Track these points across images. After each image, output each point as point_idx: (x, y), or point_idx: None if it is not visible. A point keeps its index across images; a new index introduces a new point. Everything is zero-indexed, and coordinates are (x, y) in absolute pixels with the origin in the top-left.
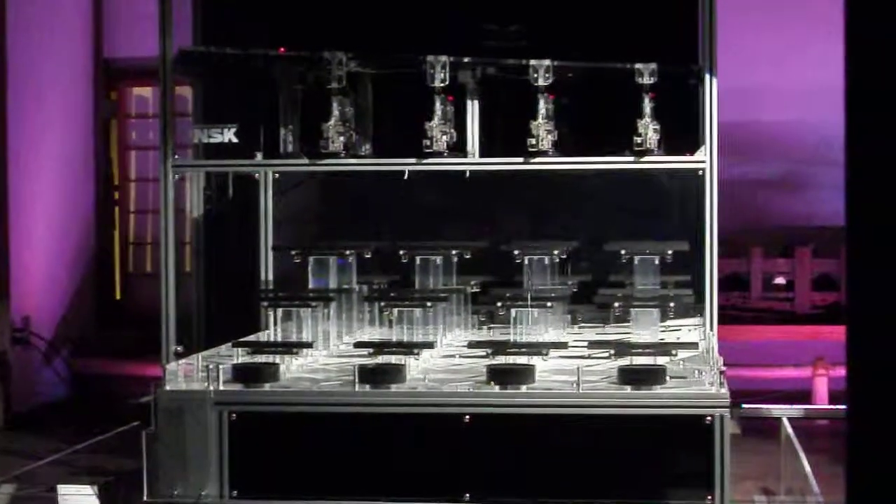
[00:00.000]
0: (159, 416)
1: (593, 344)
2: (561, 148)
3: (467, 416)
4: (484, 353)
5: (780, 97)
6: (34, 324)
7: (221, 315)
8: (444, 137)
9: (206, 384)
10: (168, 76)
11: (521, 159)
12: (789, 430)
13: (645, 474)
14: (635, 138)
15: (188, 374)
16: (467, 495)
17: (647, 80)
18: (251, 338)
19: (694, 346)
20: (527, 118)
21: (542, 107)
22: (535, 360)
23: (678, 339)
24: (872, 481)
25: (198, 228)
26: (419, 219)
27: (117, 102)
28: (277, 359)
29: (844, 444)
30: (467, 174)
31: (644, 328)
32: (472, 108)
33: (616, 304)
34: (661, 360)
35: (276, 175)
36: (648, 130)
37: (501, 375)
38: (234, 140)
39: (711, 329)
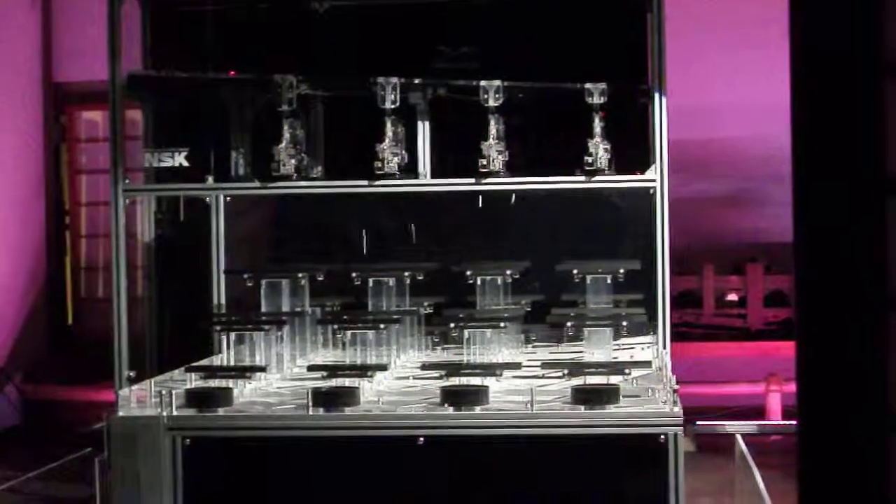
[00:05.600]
0: (112, 442)
1: (547, 364)
2: (512, 168)
3: (421, 438)
4: (438, 375)
5: (731, 115)
6: None
7: (174, 339)
8: (396, 159)
9: (159, 410)
10: (118, 100)
11: (472, 180)
12: (743, 446)
13: (600, 493)
14: (586, 158)
15: (141, 399)
16: None
17: (597, 99)
18: (204, 362)
19: (647, 364)
20: (478, 139)
21: (493, 127)
22: (489, 381)
23: (631, 357)
24: (824, 496)
25: (149, 252)
26: (371, 241)
27: (67, 126)
28: (231, 383)
29: (796, 459)
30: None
31: (597, 347)
32: (424, 130)
33: (569, 324)
34: (615, 380)
35: (228, 198)
36: (599, 150)
37: (455, 397)
38: (185, 164)
39: (664, 347)
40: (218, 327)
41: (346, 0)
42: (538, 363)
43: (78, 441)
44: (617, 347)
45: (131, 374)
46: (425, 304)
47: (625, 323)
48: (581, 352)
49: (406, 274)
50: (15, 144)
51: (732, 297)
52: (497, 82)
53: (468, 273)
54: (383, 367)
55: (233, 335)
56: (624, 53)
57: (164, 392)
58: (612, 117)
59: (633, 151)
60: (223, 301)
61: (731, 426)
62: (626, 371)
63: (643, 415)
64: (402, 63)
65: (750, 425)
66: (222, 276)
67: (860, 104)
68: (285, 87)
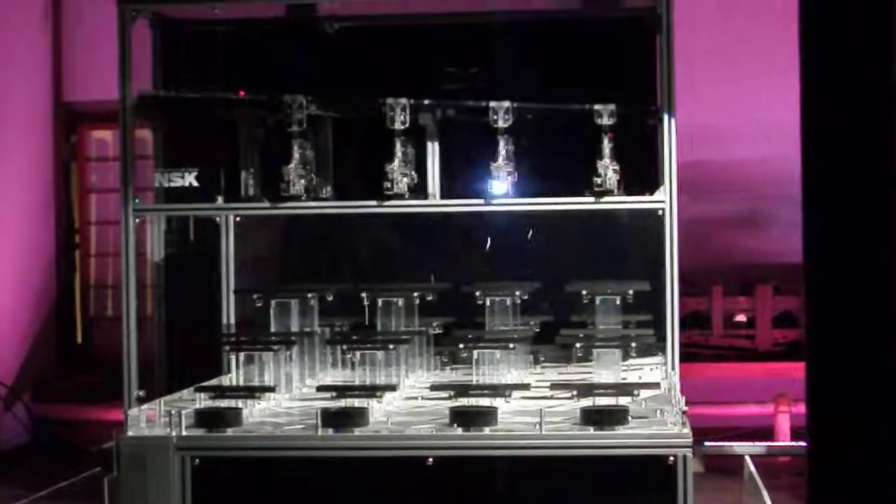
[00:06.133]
0: (121, 461)
1: (556, 385)
2: (521, 189)
3: (430, 459)
4: (447, 396)
5: (741, 136)
6: None
7: (183, 359)
8: (405, 179)
9: (168, 429)
10: (128, 120)
11: (481, 201)
12: (752, 467)
13: None
14: (595, 179)
15: (150, 419)
16: None
17: (606, 120)
18: (213, 382)
19: (656, 385)
20: (487, 160)
21: (502, 148)
22: (498, 402)
23: (640, 378)
24: None
25: (159, 272)
26: (381, 261)
27: (77, 145)
28: (240, 403)
29: (806, 480)
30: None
31: (606, 368)
32: (433, 150)
33: (578, 345)
34: (624, 401)
35: (238, 218)
36: (608, 171)
37: (464, 417)
38: (195, 184)
39: (673, 368)
40: (227, 347)
41: (356, 21)
42: (547, 384)
43: (87, 460)
44: (626, 368)
45: (140, 393)
46: (434, 324)
47: (634, 344)
48: (590, 373)
49: (415, 294)
50: (25, 163)
51: (741, 317)
52: (506, 103)
53: (477, 293)
54: (392, 388)
55: (242, 355)
56: (633, 75)
57: (173, 412)
58: (622, 138)
59: (642, 172)
60: (232, 321)
61: (739, 447)
62: (635, 392)
63: (652, 436)
64: (412, 84)
65: (758, 446)
66: (232, 296)
67: (870, 127)
68: (295, 107)
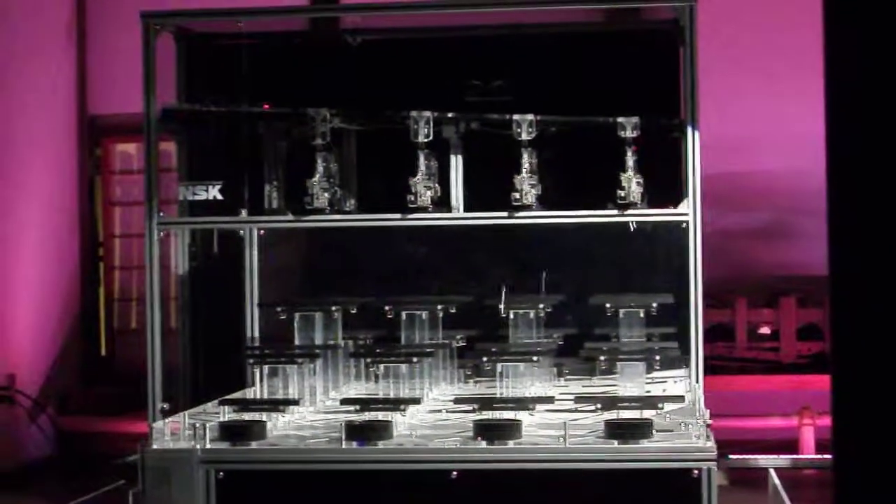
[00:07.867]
0: (146, 474)
1: (579, 398)
2: (545, 202)
3: (455, 472)
4: (470, 409)
5: (765, 148)
6: (19, 381)
7: (207, 372)
8: (429, 192)
9: (192, 442)
10: (152, 134)
11: (505, 214)
12: (776, 480)
13: None
14: (619, 191)
15: (175, 431)
16: None
17: (629, 133)
18: (237, 395)
19: (680, 398)
20: (511, 172)
21: (526, 161)
22: (522, 415)
23: (664, 391)
24: None
25: (183, 285)
26: (404, 274)
27: (101, 158)
28: (264, 416)
29: (831, 493)
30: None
31: (630, 381)
32: (456, 163)
33: (602, 358)
34: (648, 414)
35: (261, 231)
36: (632, 184)
37: (488, 431)
38: (219, 197)
39: (697, 381)
40: (251, 360)
41: (380, 34)
42: (571, 397)
43: (111, 473)
44: (650, 381)
45: (165, 406)
46: (458, 337)
47: (658, 357)
48: (614, 385)
49: (439, 307)
50: (50, 176)
51: (765, 330)
52: (530, 116)
53: (501, 306)
54: (416, 401)
55: (266, 368)
56: (657, 87)
57: (197, 425)
58: (646, 151)
59: (666, 185)
60: (256, 334)
61: (764, 460)
62: (659, 405)
63: (676, 449)
64: (435, 97)
65: (783, 459)
66: (256, 309)
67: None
68: (319, 120)
